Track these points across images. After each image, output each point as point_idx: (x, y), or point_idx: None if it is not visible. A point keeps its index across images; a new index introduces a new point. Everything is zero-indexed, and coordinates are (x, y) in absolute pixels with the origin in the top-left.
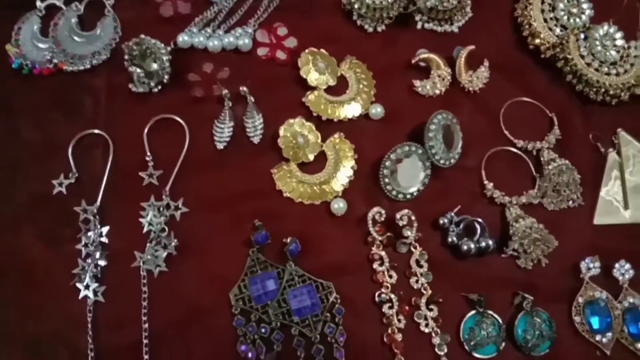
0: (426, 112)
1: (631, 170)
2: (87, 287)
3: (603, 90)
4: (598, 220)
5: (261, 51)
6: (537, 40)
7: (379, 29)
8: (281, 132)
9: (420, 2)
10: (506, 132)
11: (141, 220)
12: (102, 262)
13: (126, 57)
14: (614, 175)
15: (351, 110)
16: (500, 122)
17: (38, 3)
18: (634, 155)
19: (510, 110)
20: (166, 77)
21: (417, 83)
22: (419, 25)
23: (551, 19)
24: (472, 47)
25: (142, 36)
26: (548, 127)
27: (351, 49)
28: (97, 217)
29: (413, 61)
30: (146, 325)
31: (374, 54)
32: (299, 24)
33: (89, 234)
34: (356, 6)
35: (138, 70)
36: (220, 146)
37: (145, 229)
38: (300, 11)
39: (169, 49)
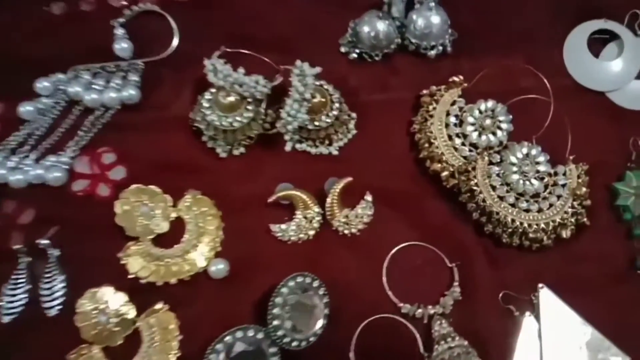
0: (287, 266)
1: (554, 341)
2: None
3: (520, 231)
4: None
5: (78, 185)
6: (438, 165)
7: (236, 152)
8: (78, 306)
9: (279, 125)
10: (389, 293)
11: None
12: None
13: None
14: (527, 348)
15: (187, 266)
16: (383, 277)
17: None
18: (557, 319)
19: (398, 260)
20: None
21: (275, 228)
22: (288, 147)
23: (457, 135)
24: (348, 179)
25: None
26: (448, 282)
27: (198, 178)
28: None
29: (269, 200)
30: None
31: (226, 185)
32: (132, 148)
33: None
34: (202, 127)
35: None
36: (6, 319)
37: None
38: (136, 131)
39: None
